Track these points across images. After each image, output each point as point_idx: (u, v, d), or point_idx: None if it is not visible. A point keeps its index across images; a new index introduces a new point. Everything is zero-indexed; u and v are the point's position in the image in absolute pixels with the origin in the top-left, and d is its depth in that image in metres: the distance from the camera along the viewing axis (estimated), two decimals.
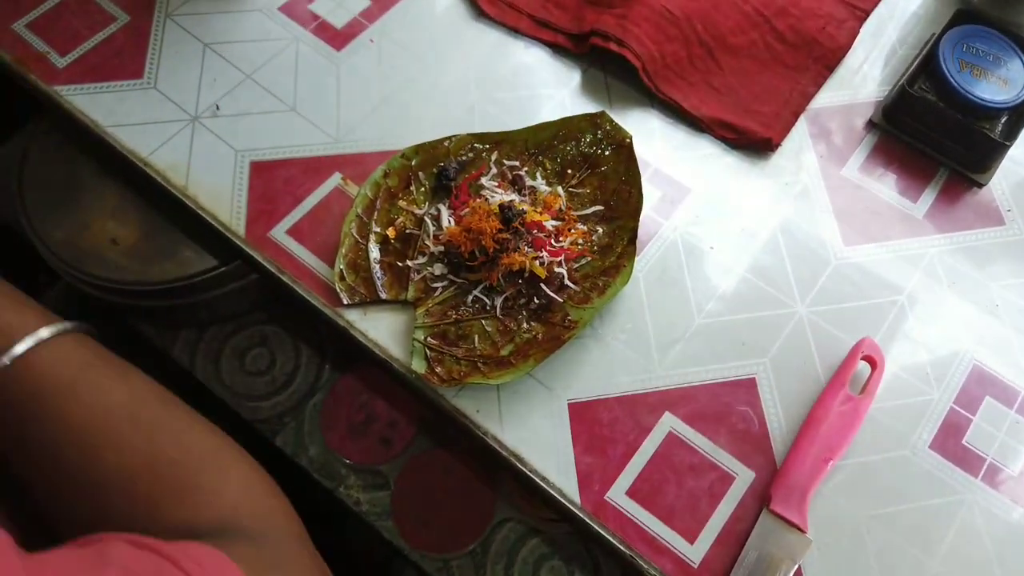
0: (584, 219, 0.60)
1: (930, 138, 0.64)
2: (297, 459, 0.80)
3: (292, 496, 0.58)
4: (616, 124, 0.62)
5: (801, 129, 0.66)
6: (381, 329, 0.57)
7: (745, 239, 0.61)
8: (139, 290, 0.76)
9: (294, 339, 0.66)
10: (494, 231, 0.56)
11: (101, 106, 0.64)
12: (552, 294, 0.56)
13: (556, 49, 0.69)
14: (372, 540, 0.70)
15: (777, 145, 0.64)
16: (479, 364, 0.55)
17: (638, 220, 0.59)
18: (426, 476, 0.69)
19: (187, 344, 0.86)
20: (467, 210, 0.59)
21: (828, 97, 0.68)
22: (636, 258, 0.59)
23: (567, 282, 0.57)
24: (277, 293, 0.61)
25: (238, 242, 0.60)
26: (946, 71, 0.63)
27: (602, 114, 0.63)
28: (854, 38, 0.69)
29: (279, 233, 0.60)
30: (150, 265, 0.76)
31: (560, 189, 0.61)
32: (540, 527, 0.60)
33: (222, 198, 0.61)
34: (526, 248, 0.57)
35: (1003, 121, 0.64)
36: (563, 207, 0.60)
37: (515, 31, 0.70)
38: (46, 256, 0.73)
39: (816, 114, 0.67)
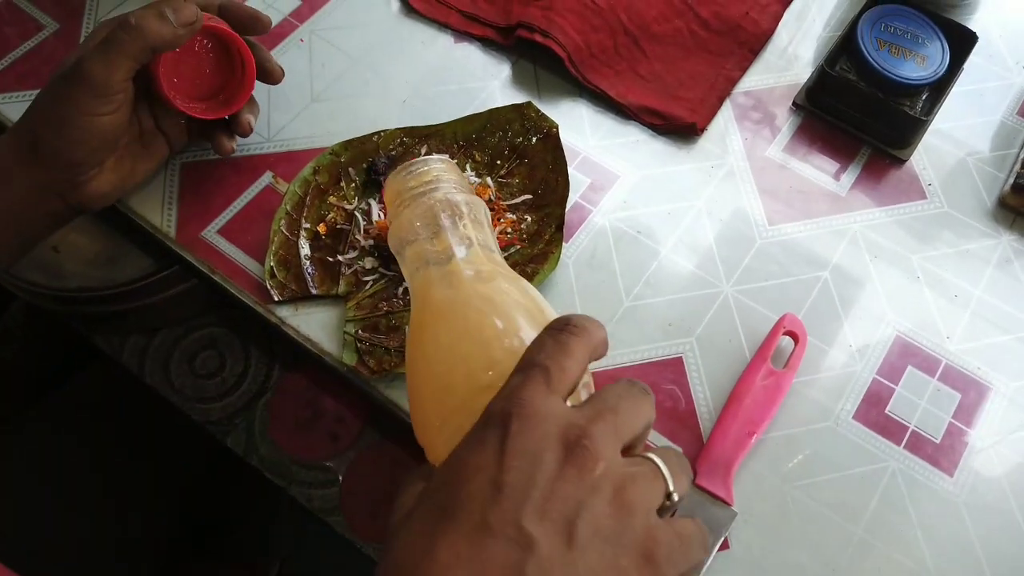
0: (513, 208, 0.61)
1: (852, 117, 0.65)
2: (248, 459, 0.80)
3: (246, 494, 0.59)
4: (542, 113, 0.63)
5: (727, 113, 0.67)
6: (313, 324, 0.58)
7: (672, 223, 0.62)
8: (85, 296, 0.76)
9: (243, 341, 0.66)
10: None
11: None
12: None
13: (486, 43, 0.70)
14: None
15: (703, 129, 0.66)
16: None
17: (565, 207, 0.60)
18: (374, 469, 0.70)
19: (136, 350, 0.86)
20: None
21: (753, 81, 0.69)
22: (565, 245, 0.60)
23: None
24: (216, 294, 0.61)
25: (170, 244, 0.60)
26: (864, 50, 0.64)
27: (528, 104, 0.64)
28: (777, 22, 0.70)
29: (210, 234, 0.61)
30: (94, 271, 0.77)
31: (489, 180, 0.62)
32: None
33: (153, 201, 0.62)
34: None
35: (923, 98, 0.65)
36: (492, 197, 0.61)
37: (445, 26, 0.71)
38: None
39: (742, 98, 0.68)
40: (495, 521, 0.31)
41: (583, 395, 0.41)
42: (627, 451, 0.36)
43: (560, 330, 0.37)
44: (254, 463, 0.79)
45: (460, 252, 0.45)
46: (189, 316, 0.85)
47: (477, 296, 0.43)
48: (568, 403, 0.36)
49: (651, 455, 0.36)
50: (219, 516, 0.88)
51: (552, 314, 0.44)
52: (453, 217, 0.46)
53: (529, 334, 0.40)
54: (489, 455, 0.33)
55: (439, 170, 0.49)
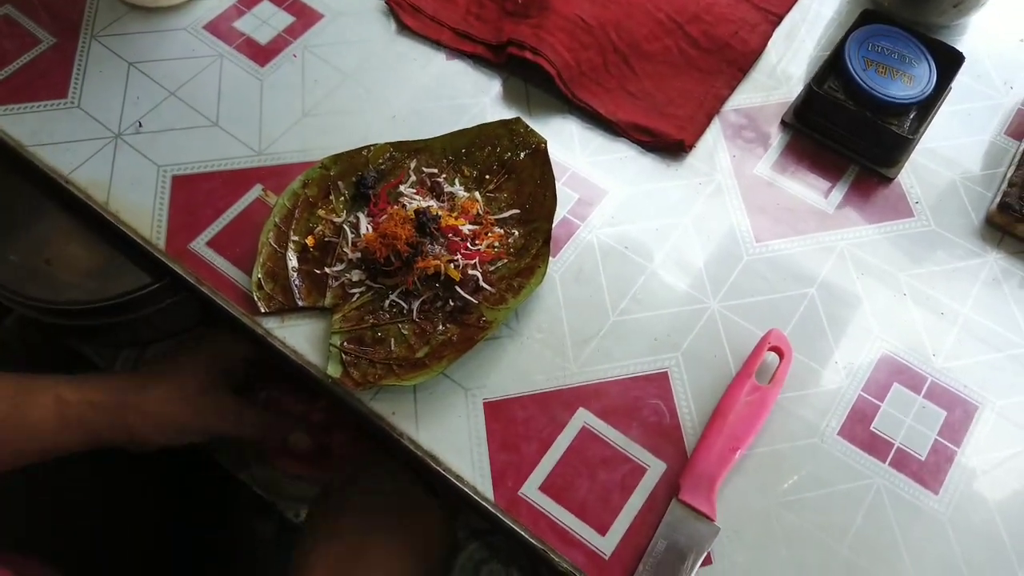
0: (501, 223, 0.61)
1: (840, 135, 0.66)
2: (238, 474, 0.80)
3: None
4: (530, 129, 0.64)
5: (715, 131, 0.68)
6: (298, 336, 0.58)
7: (660, 239, 0.62)
8: (77, 309, 0.76)
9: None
10: (408, 236, 0.57)
11: (25, 126, 0.65)
12: (467, 296, 0.57)
13: (477, 60, 0.71)
14: None
15: (691, 147, 0.66)
16: (394, 367, 0.55)
17: (552, 222, 0.60)
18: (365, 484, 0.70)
19: (128, 363, 0.86)
20: (384, 217, 0.60)
21: (742, 99, 0.69)
22: (553, 259, 0.60)
23: (482, 284, 0.58)
24: (204, 307, 0.61)
25: (158, 255, 0.61)
26: (852, 69, 0.65)
27: (517, 120, 0.64)
28: (766, 42, 0.71)
29: (199, 245, 0.61)
30: (87, 283, 0.77)
31: (478, 194, 0.62)
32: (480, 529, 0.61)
33: (143, 213, 0.62)
34: (442, 252, 0.58)
35: (911, 117, 0.66)
36: (480, 211, 0.61)
37: (437, 43, 0.71)
38: None
39: (730, 116, 0.68)
40: None
41: None
42: None
43: None
44: (243, 479, 0.79)
45: None
46: (180, 329, 0.85)
47: None
48: None
49: None
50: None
51: None
52: None
53: None
54: None
55: None
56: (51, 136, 0.65)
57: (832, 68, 0.67)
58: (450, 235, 0.59)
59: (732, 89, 0.69)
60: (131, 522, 0.76)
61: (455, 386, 0.56)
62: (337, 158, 0.63)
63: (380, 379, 0.55)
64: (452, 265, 0.58)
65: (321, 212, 0.61)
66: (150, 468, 0.81)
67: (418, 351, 0.56)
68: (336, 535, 0.63)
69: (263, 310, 0.58)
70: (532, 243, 0.60)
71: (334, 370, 0.55)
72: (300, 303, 0.58)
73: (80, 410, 0.61)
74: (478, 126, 0.64)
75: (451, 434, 0.54)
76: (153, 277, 0.68)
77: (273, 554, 0.93)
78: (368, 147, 0.64)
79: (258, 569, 0.91)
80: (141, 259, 0.63)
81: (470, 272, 0.58)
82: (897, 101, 0.64)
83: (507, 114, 0.68)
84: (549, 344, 0.58)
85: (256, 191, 0.63)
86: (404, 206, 0.60)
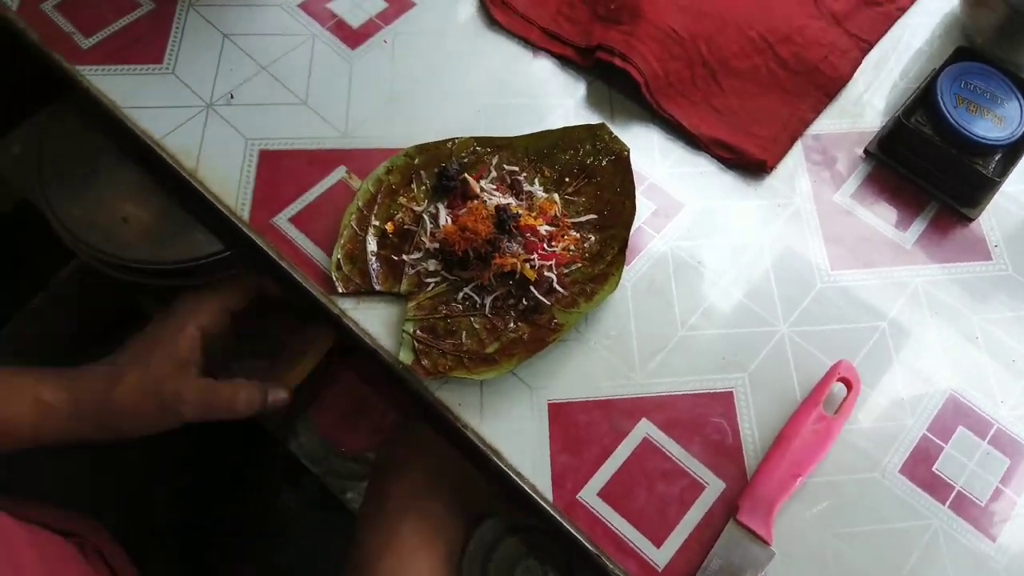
0: (578, 226, 0.62)
1: (923, 170, 0.65)
2: (287, 444, 0.81)
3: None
4: (614, 136, 0.64)
5: (797, 153, 0.68)
6: (373, 319, 0.59)
7: (734, 257, 0.62)
8: (147, 268, 0.78)
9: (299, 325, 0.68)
10: (488, 232, 0.58)
11: (120, 88, 0.66)
12: (540, 297, 0.58)
13: (564, 61, 0.71)
14: None
15: (772, 167, 0.66)
16: (464, 359, 0.56)
17: (629, 231, 0.60)
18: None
19: None
20: (464, 210, 0.61)
21: (827, 124, 0.69)
22: (625, 268, 0.60)
23: (556, 286, 0.59)
24: (278, 280, 0.62)
25: (242, 227, 0.62)
26: (943, 106, 0.64)
27: (601, 126, 0.65)
28: (855, 68, 0.71)
29: (282, 221, 0.62)
30: (160, 245, 0.79)
31: (556, 196, 0.63)
32: (518, 525, 0.61)
33: (229, 184, 0.63)
34: (519, 250, 0.59)
35: (997, 158, 0.65)
36: (558, 213, 0.62)
37: (526, 41, 0.72)
38: (59, 231, 0.76)
39: (813, 140, 0.68)
40: None
41: None
42: None
43: None
44: (292, 448, 0.80)
45: None
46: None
47: None
48: None
49: None
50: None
51: None
52: None
53: None
54: None
55: None
56: (145, 100, 0.66)
57: (921, 102, 0.66)
58: (528, 234, 0.59)
59: (817, 113, 0.69)
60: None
61: (521, 384, 0.57)
62: (422, 148, 0.64)
63: (450, 370, 0.56)
64: (528, 265, 0.58)
65: (402, 200, 0.62)
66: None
67: (488, 346, 0.57)
68: (412, 468, 0.66)
69: (340, 290, 0.59)
70: (607, 250, 0.60)
71: (406, 356, 0.56)
72: (377, 287, 0.59)
73: (58, 415, 0.61)
74: (562, 128, 0.65)
75: (514, 431, 0.55)
76: (226, 244, 0.69)
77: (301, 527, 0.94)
78: (452, 140, 0.64)
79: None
80: (221, 228, 0.64)
81: (545, 273, 0.58)
82: (986, 142, 0.63)
83: (590, 118, 0.68)
84: (616, 352, 0.58)
85: (339, 173, 0.64)
86: (485, 201, 0.61)
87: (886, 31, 0.74)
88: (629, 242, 0.60)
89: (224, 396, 0.64)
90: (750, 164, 0.66)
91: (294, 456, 0.78)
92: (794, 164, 0.67)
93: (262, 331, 0.71)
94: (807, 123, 0.68)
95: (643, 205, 0.64)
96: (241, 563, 0.86)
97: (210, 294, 0.68)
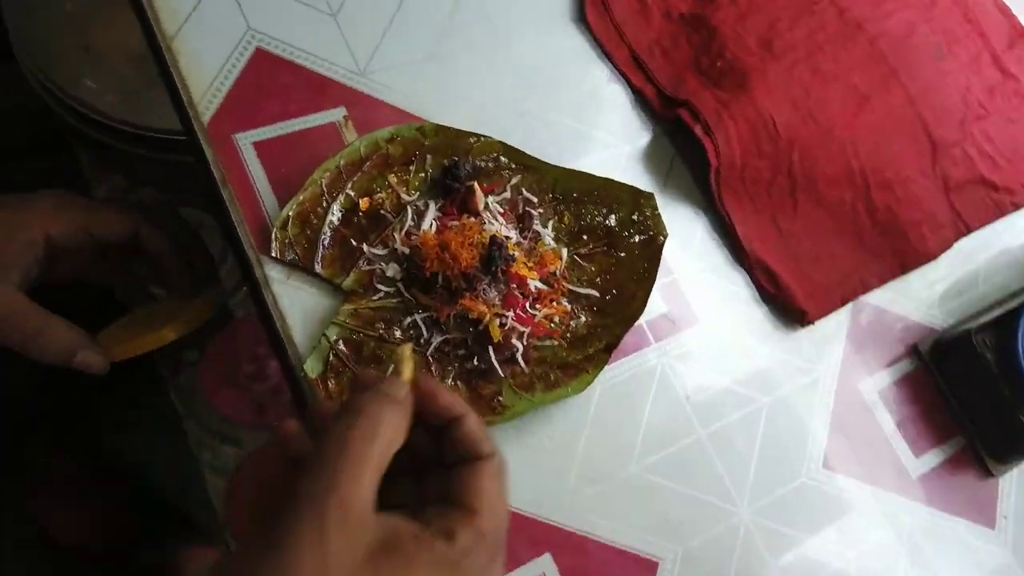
0: (573, 297, 0.51)
1: (967, 399, 0.56)
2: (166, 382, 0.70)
3: None
4: (658, 216, 0.53)
5: (842, 318, 0.58)
6: (296, 303, 0.48)
7: (725, 404, 0.53)
8: (94, 119, 0.66)
9: (225, 241, 0.56)
10: (470, 265, 0.47)
11: None
12: (496, 364, 0.47)
13: (639, 97, 0.60)
14: None
15: (811, 322, 0.56)
16: None
17: (627, 329, 0.50)
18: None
19: (114, 190, 0.76)
20: (456, 223, 0.50)
21: (886, 298, 0.59)
22: (603, 369, 0.50)
23: (519, 358, 0.48)
24: (212, 207, 0.51)
25: (196, 127, 0.50)
26: (1019, 346, 0.55)
27: (649, 197, 0.54)
28: (944, 250, 0.60)
29: (245, 141, 0.50)
30: (118, 95, 0.67)
31: (565, 252, 0.52)
32: None
33: (205, 71, 0.51)
34: (495, 299, 0.48)
35: None
36: (558, 272, 0.51)
37: (607, 56, 0.60)
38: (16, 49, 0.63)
39: (864, 309, 0.58)
40: None
41: None
42: None
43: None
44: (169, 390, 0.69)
45: None
46: (190, 188, 0.75)
47: None
48: None
49: None
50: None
51: None
52: None
53: None
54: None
55: None
56: None
57: (998, 324, 0.57)
58: (513, 285, 0.49)
59: (883, 283, 0.59)
60: None
61: None
62: (440, 129, 0.52)
63: None
64: (498, 322, 0.48)
65: (392, 178, 0.51)
66: None
67: None
68: None
69: (274, 254, 0.48)
70: (593, 341, 0.50)
71: (313, 368, 0.46)
72: (318, 268, 0.48)
73: None
74: (605, 179, 0.54)
75: None
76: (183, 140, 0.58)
77: None
78: (478, 136, 0.53)
79: None
80: (178, 113, 0.52)
81: (513, 340, 0.48)
82: None
83: (641, 175, 0.57)
84: (552, 462, 0.48)
85: (336, 114, 0.53)
86: (483, 224, 0.50)
87: (991, 221, 0.63)
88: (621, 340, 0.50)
89: (29, 325, 0.52)
90: (789, 308, 0.56)
91: (166, 390, 0.67)
92: (835, 329, 0.57)
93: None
94: (868, 289, 0.58)
95: (654, 303, 0.53)
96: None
97: (78, 206, 0.55)
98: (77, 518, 0.72)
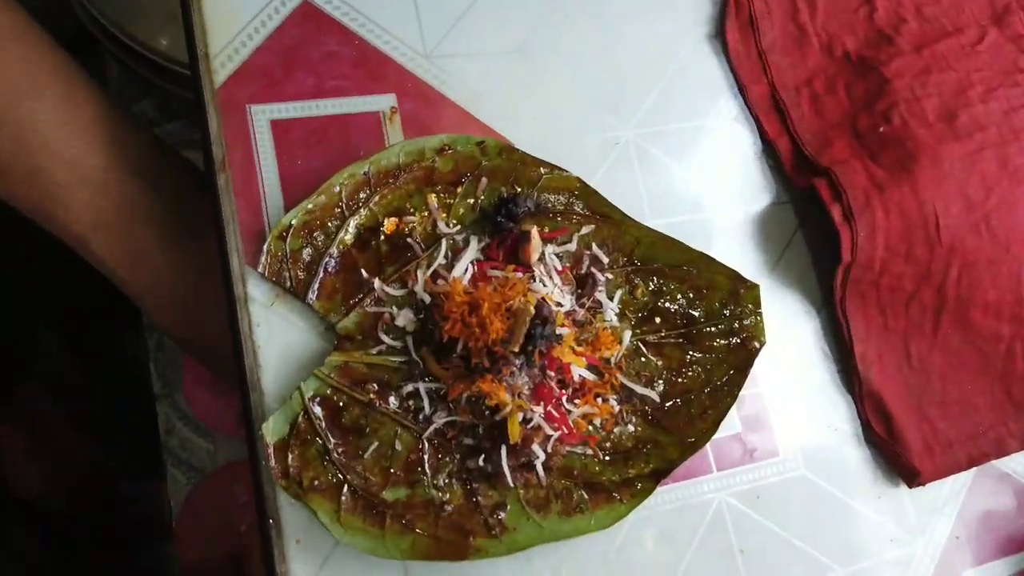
0: (625, 395, 0.40)
1: None
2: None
3: None
4: (760, 318, 0.41)
5: (961, 484, 0.45)
6: (276, 338, 0.38)
7: (790, 569, 0.41)
8: (122, 40, 0.58)
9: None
10: (498, 338, 0.36)
11: None
12: (507, 471, 0.37)
13: (768, 149, 0.47)
14: None
15: (921, 484, 0.43)
16: (348, 490, 0.36)
17: (686, 457, 0.39)
18: (230, 492, 0.52)
19: (142, 117, 0.67)
20: (497, 275, 0.39)
21: (1020, 466, 0.46)
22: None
23: (537, 468, 0.37)
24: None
25: (204, 85, 0.40)
26: None
27: (753, 288, 0.41)
28: None
29: (262, 115, 0.40)
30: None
31: (628, 335, 0.40)
32: None
33: (234, 15, 0.41)
34: (523, 387, 0.37)
35: None
36: (613, 361, 0.40)
37: (740, 89, 0.48)
38: None
39: (991, 475, 0.46)
40: None
41: None
42: None
43: None
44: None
45: None
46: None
47: None
48: None
49: None
50: None
51: None
52: None
53: None
54: None
55: None
56: None
57: None
58: (551, 373, 0.38)
59: (1023, 448, 0.46)
60: None
61: (396, 568, 0.36)
62: (506, 150, 0.41)
63: (316, 501, 0.35)
64: (521, 416, 0.37)
65: (433, 199, 0.40)
66: None
67: (388, 488, 0.36)
68: None
69: (261, 269, 0.37)
70: (638, 460, 0.39)
71: (275, 429, 0.36)
72: (312, 298, 0.38)
73: None
74: (702, 254, 0.42)
75: None
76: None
77: None
78: (552, 167, 0.41)
79: None
80: (190, 65, 0.42)
81: (534, 445, 0.37)
82: None
83: (749, 251, 0.45)
84: None
85: (383, 102, 0.42)
86: (531, 281, 0.39)
87: None
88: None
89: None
90: (898, 461, 0.43)
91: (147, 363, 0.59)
92: (948, 496, 0.44)
93: None
94: (1003, 453, 0.45)
95: (729, 422, 0.42)
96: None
97: None
98: (37, 467, 0.65)
